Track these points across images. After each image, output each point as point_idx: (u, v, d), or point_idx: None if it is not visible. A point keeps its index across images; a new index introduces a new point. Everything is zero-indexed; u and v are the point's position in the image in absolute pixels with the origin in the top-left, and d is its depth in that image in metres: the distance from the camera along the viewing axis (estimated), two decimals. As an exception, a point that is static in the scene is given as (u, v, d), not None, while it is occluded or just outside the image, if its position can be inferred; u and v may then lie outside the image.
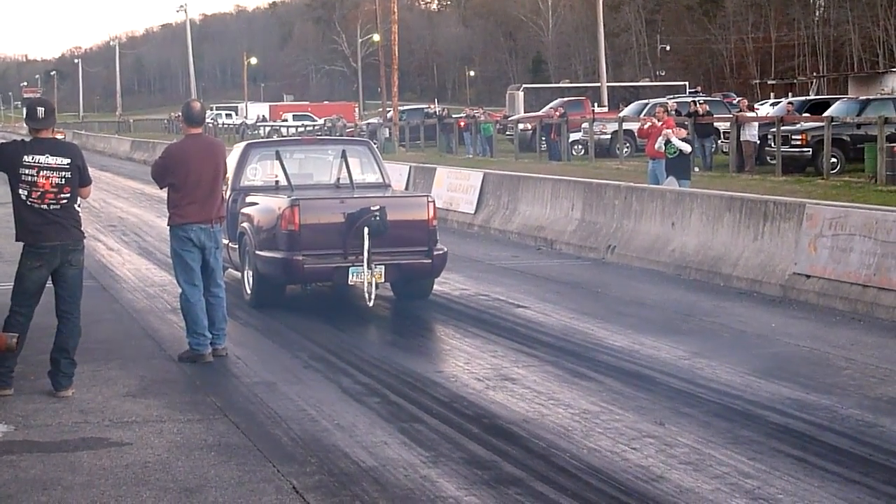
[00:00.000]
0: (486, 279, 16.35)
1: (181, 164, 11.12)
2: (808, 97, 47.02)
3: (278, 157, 14.77)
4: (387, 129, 57.43)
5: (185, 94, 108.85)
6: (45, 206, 9.60)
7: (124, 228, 24.55)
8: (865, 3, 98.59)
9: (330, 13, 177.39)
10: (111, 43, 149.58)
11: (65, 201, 9.67)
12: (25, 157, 9.60)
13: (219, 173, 11.29)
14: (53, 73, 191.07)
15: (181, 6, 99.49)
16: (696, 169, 32.14)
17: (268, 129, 77.00)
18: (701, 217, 16.36)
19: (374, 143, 49.10)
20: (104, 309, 14.05)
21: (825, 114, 31.79)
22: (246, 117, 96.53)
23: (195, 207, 11.08)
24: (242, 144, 15.59)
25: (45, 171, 9.58)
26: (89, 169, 10.08)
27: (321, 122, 74.29)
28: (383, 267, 13.28)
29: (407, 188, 25.99)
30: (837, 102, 34.71)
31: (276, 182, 14.71)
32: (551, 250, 19.65)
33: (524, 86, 67.35)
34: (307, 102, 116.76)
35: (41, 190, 9.58)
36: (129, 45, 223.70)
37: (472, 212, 23.10)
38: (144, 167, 48.05)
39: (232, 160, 14.58)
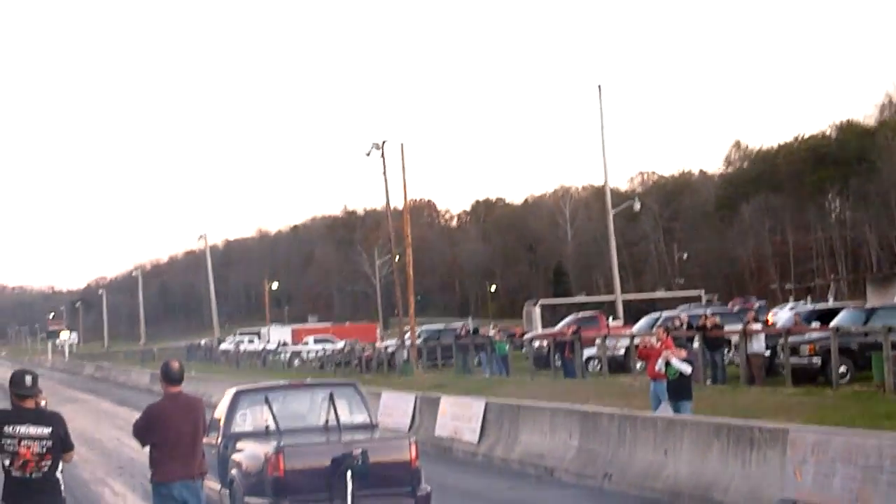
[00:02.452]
0: (479, 515, 16.53)
1: (161, 423, 11.54)
2: (814, 306, 47.30)
3: (267, 403, 15.28)
4: (405, 352, 57.96)
5: (209, 319, 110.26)
6: (27, 475, 10.00)
7: (133, 471, 24.71)
8: (880, 203, 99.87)
9: (351, 233, 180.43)
10: (133, 273, 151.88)
11: (46, 469, 10.07)
12: (6, 427, 10.02)
13: (198, 430, 11.68)
14: (78, 303, 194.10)
15: (201, 235, 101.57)
16: (709, 382, 32.44)
17: (288, 353, 77.65)
18: (692, 445, 16.61)
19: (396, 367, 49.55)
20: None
21: (831, 324, 32.13)
22: (268, 342, 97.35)
23: (176, 465, 11.45)
24: (232, 391, 16.06)
25: (26, 441, 10.01)
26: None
27: (341, 344, 74.83)
28: None
29: (413, 419, 26.35)
30: (843, 311, 35.09)
31: (267, 427, 15.10)
32: (551, 478, 19.83)
33: (541, 301, 68.12)
34: (329, 324, 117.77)
35: (23, 459, 10.01)
36: (154, 272, 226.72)
37: (476, 441, 23.36)
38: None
39: (223, 407, 15.31)
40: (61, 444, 10.22)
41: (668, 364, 22.17)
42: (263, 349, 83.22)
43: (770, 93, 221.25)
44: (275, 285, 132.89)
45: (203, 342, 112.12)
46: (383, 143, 62.51)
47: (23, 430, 10.06)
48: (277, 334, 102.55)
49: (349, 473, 13.38)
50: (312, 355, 74.34)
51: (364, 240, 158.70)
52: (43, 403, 10.58)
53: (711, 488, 15.83)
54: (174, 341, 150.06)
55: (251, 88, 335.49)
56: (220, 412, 15.71)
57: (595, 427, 19.32)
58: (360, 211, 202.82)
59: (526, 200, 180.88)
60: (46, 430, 10.13)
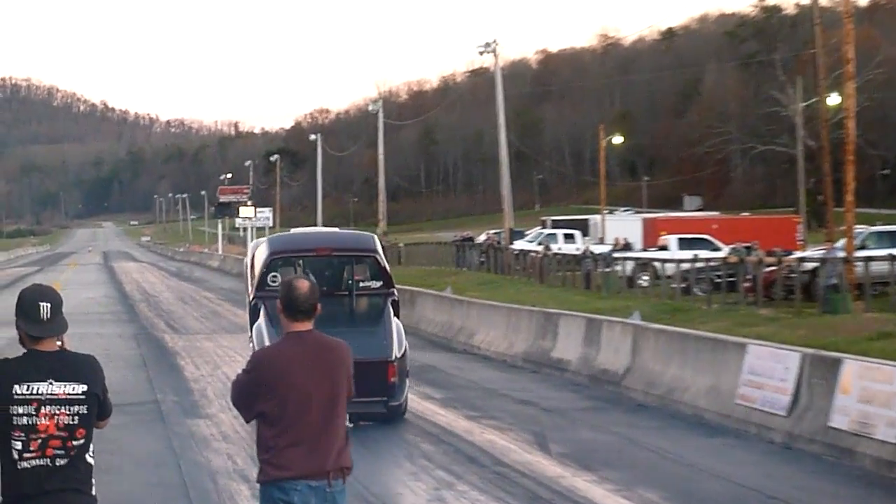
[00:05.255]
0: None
1: (277, 381, 11.99)
2: None
3: (293, 265, 24.89)
4: (835, 274, 57.57)
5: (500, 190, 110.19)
6: (44, 462, 10.47)
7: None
8: None
9: (768, 47, 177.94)
10: (371, 107, 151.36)
11: (75, 452, 10.56)
12: (17, 386, 10.44)
13: (339, 394, 12.14)
14: (275, 156, 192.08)
15: (486, 46, 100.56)
16: None
17: (629, 264, 77.40)
18: None
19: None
20: None
21: None
22: (601, 240, 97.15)
23: (300, 452, 11.95)
24: (263, 247, 25.50)
25: (48, 407, 10.43)
26: None
27: (725, 251, 74.40)
28: None
29: (795, 395, 26.74)
30: None
31: None
32: None
33: None
34: (716, 214, 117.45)
35: (42, 437, 10.44)
36: (411, 105, 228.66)
37: (897, 441, 23.75)
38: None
39: (259, 261, 25.27)
40: (98, 408, 10.65)
41: None
42: (585, 253, 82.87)
43: None
44: (617, 139, 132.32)
45: (484, 236, 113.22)
46: None
47: (42, 388, 10.38)
48: (616, 228, 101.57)
49: None
50: (672, 268, 73.63)
51: (792, 63, 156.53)
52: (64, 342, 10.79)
53: None
54: (437, 230, 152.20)
55: None
56: (258, 267, 24.99)
57: None
58: (788, 7, 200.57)
59: None
60: (79, 388, 10.50)
